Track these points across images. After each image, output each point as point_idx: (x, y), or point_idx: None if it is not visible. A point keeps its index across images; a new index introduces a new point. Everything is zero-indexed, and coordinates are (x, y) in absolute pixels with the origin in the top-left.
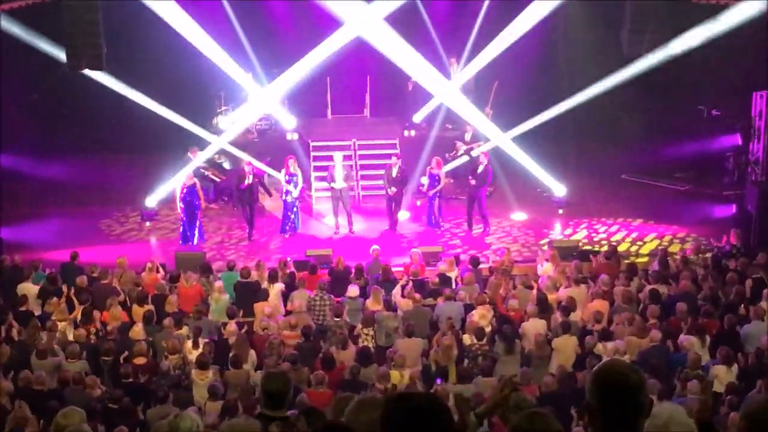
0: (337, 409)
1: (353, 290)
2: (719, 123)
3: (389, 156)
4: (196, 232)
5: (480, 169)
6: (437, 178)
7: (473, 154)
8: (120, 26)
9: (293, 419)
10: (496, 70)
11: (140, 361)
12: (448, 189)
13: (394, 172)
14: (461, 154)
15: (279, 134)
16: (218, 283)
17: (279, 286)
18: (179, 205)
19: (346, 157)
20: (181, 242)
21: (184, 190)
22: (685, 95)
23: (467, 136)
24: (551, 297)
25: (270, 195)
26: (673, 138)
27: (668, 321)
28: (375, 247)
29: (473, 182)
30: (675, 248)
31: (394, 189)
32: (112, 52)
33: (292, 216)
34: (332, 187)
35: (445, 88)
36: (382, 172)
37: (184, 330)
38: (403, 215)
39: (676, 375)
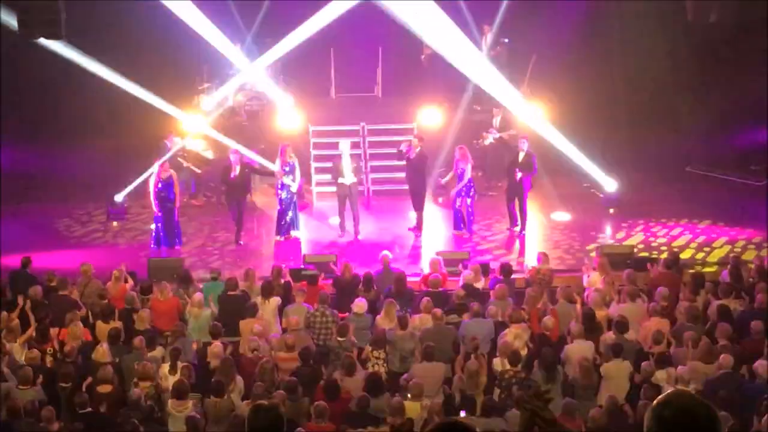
0: None
1: (360, 304)
2: None
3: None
4: (173, 234)
5: (521, 156)
6: (462, 172)
7: (507, 139)
8: None
9: None
10: (533, 41)
11: (105, 388)
12: (478, 184)
13: (412, 154)
14: (490, 142)
15: (273, 117)
16: (197, 296)
17: (274, 300)
18: (153, 201)
19: (354, 145)
20: (154, 246)
21: (159, 184)
22: (761, 71)
23: (496, 121)
24: (600, 314)
25: (273, 174)
26: (747, 123)
27: (741, 343)
28: (385, 252)
29: (520, 174)
30: (749, 255)
31: (403, 148)
32: (72, 17)
33: (289, 215)
34: (339, 183)
35: (474, 61)
36: (395, 162)
37: (158, 351)
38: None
39: (752, 408)
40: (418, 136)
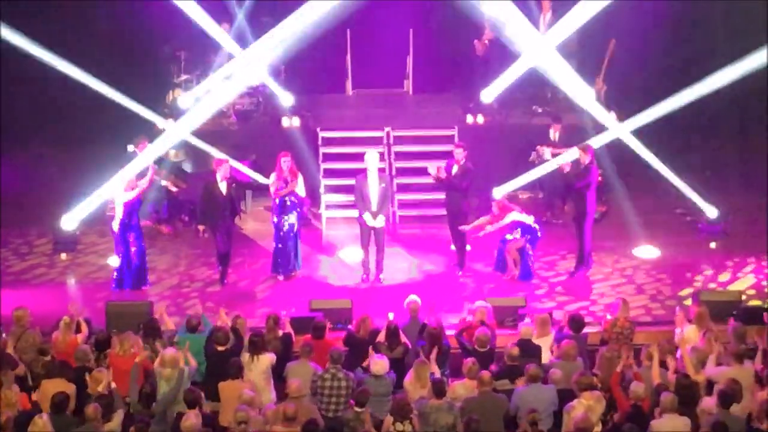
0: None
1: (381, 363)
2: None
3: (441, 155)
4: (140, 271)
5: (580, 168)
6: (514, 224)
7: (568, 157)
8: None
9: None
10: (612, 24)
11: None
12: (537, 207)
13: (455, 168)
14: (548, 159)
15: (270, 119)
16: (168, 352)
17: (266, 358)
18: (115, 227)
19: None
20: (115, 287)
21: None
22: None
23: (553, 134)
24: (698, 379)
25: (265, 189)
26: None
27: None
28: (412, 298)
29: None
30: None
31: (440, 173)
32: None
33: (290, 246)
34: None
35: (533, 47)
36: (428, 180)
37: (116, 419)
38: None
39: None
40: (462, 145)
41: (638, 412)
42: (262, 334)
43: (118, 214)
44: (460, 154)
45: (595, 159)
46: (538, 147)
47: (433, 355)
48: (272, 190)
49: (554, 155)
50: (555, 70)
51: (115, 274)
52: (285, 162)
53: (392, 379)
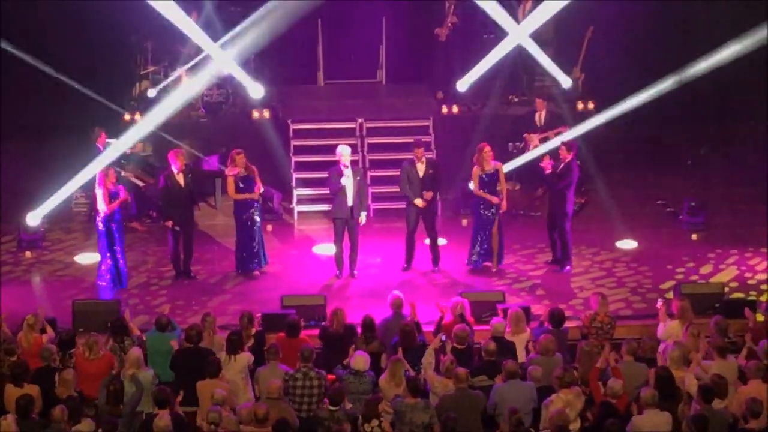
0: None
1: (361, 360)
2: None
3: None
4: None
5: (560, 166)
6: (489, 180)
7: (549, 145)
8: None
9: None
10: (590, 11)
11: None
12: (515, 200)
13: (421, 169)
14: (537, 146)
15: (240, 111)
16: (134, 352)
17: (244, 357)
18: (99, 225)
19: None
20: (111, 285)
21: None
22: None
23: (539, 116)
24: (679, 375)
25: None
26: None
27: None
28: (395, 293)
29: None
30: None
31: (422, 200)
32: None
33: (256, 242)
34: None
35: (509, 36)
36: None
37: (86, 425)
38: (439, 242)
39: None
40: (427, 142)
41: (609, 408)
42: (241, 333)
43: (101, 208)
44: (421, 155)
45: (576, 157)
46: (526, 135)
47: (400, 353)
48: (227, 171)
49: (542, 140)
50: (530, 58)
51: (105, 272)
52: (238, 157)
53: (372, 377)
